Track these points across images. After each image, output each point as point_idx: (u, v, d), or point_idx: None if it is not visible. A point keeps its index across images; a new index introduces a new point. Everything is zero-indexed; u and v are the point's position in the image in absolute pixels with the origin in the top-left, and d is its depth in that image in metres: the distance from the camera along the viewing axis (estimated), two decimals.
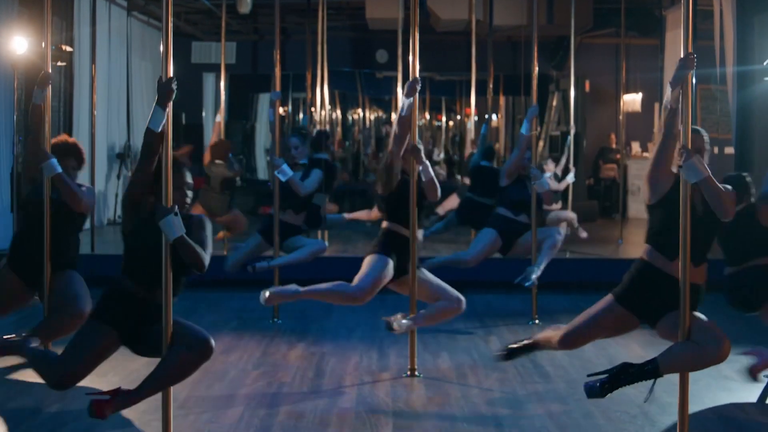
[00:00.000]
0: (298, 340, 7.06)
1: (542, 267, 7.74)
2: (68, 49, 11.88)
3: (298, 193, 7.89)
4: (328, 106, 12.75)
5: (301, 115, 19.21)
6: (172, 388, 4.31)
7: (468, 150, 13.45)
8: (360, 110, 20.96)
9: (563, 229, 8.17)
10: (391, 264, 5.89)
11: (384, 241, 5.95)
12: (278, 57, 8.21)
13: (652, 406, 5.36)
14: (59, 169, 5.86)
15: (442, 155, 21.25)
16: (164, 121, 4.36)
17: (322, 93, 11.75)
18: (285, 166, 7.74)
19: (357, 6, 14.69)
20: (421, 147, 6.02)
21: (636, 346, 6.92)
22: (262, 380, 5.86)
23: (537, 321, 7.77)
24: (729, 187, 4.64)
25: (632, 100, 16.30)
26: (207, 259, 4.45)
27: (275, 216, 7.83)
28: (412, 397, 5.52)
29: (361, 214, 10.93)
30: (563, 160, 11.39)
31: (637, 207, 15.97)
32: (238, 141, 17.66)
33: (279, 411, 5.17)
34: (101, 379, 5.55)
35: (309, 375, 6.00)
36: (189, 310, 7.89)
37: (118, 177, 13.91)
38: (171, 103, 4.40)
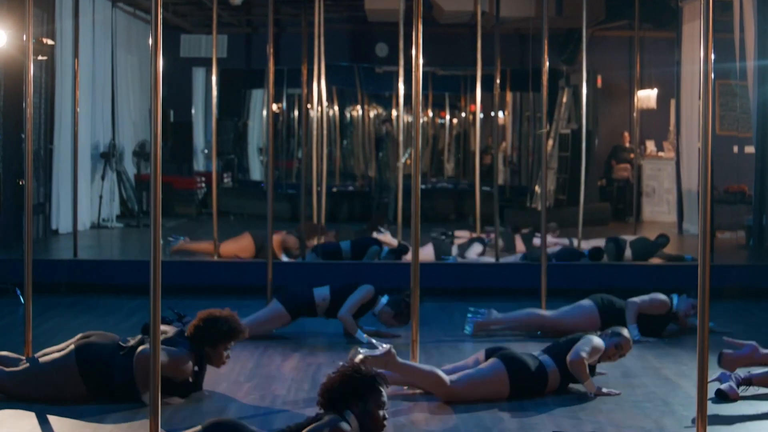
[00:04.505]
0: (293, 351, 7.05)
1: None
2: (50, 42, 11.87)
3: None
4: (324, 103, 12.75)
5: (296, 113, 19.22)
6: (160, 402, 4.31)
7: (472, 146, 13.42)
8: (359, 107, 20.96)
9: None
10: None
11: None
12: (272, 51, 8.21)
13: (669, 420, 5.36)
14: None
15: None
16: None
17: (319, 89, 11.74)
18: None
19: None
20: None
21: (651, 357, 6.92)
22: (255, 393, 5.86)
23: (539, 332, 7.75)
24: None
25: (647, 97, 16.31)
26: None
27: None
28: (414, 410, 5.51)
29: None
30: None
31: (652, 209, 15.98)
32: (230, 139, 17.67)
33: (273, 425, 5.16)
34: None
35: (305, 387, 5.99)
36: None
37: (103, 178, 13.91)
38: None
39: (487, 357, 5.88)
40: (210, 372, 6.31)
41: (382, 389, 4.47)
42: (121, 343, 5.65)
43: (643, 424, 5.30)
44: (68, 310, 8.42)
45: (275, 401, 5.66)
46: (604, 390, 5.83)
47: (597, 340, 5.92)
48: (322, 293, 7.50)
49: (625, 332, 6.06)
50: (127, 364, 5.50)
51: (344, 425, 4.28)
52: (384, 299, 7.41)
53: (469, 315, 7.67)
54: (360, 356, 5.59)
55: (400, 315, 7.32)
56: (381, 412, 4.44)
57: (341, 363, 4.67)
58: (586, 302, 7.69)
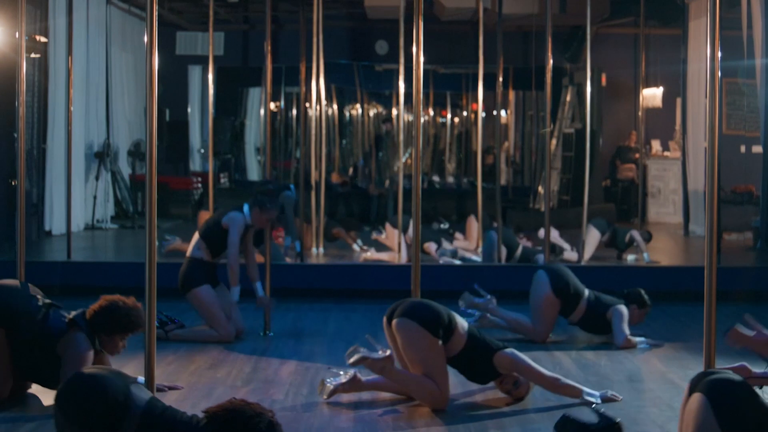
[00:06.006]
0: (291, 354, 7.05)
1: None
2: (43, 39, 11.88)
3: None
4: (323, 102, 12.75)
5: (294, 112, 19.22)
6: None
7: (474, 146, 13.46)
8: (358, 106, 20.96)
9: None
10: None
11: None
12: (269, 48, 8.21)
13: (674, 425, 5.34)
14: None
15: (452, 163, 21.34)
16: None
17: (318, 87, 11.75)
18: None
19: None
20: None
21: (656, 361, 6.92)
22: (252, 397, 5.84)
23: (551, 336, 7.74)
24: None
25: (652, 95, 16.31)
26: None
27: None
28: (415, 415, 5.51)
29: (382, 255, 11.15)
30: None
31: (657, 210, 15.98)
32: (227, 139, 17.68)
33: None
34: None
35: (303, 392, 5.99)
36: None
37: (97, 178, 13.91)
38: None
39: None
40: (207, 377, 6.32)
41: None
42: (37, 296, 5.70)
43: (649, 429, 5.30)
44: None
45: (273, 406, 5.65)
46: (608, 394, 5.82)
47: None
48: None
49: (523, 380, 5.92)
50: (60, 322, 5.54)
51: None
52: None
53: (472, 296, 7.71)
54: (358, 356, 5.60)
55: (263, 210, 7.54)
56: None
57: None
58: (540, 285, 7.64)
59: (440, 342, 5.57)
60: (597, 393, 5.78)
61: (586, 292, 7.61)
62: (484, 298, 7.71)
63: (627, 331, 7.42)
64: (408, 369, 5.68)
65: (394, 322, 5.65)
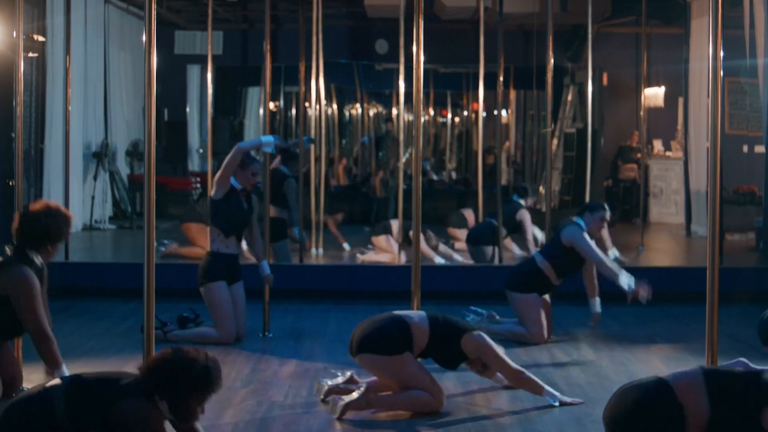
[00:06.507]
0: (290, 356, 7.05)
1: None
2: (40, 38, 11.89)
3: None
4: (323, 101, 12.76)
5: (293, 111, 19.24)
6: None
7: (474, 146, 13.46)
8: (358, 105, 20.98)
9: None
10: None
11: None
12: (269, 47, 8.21)
13: None
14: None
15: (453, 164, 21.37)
16: None
17: (317, 87, 11.76)
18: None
19: None
20: None
21: (658, 362, 6.92)
22: (251, 399, 5.86)
23: (552, 337, 7.75)
24: None
25: (654, 95, 16.32)
26: None
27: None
28: (415, 415, 5.51)
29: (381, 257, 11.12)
30: None
31: (659, 210, 15.99)
32: (226, 139, 17.69)
33: None
34: None
35: (303, 393, 6.00)
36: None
37: (95, 178, 13.92)
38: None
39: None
40: None
41: (214, 390, 4.21)
42: None
43: None
44: (59, 314, 8.41)
45: (272, 407, 5.66)
46: (568, 400, 5.80)
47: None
48: None
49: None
50: None
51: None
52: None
53: (469, 317, 7.72)
54: (340, 405, 5.47)
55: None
56: (199, 408, 4.22)
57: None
58: (510, 297, 7.73)
59: (406, 352, 5.55)
60: (557, 394, 5.78)
61: (536, 253, 7.81)
62: (480, 317, 7.75)
63: (598, 251, 7.52)
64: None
65: (356, 359, 5.67)
